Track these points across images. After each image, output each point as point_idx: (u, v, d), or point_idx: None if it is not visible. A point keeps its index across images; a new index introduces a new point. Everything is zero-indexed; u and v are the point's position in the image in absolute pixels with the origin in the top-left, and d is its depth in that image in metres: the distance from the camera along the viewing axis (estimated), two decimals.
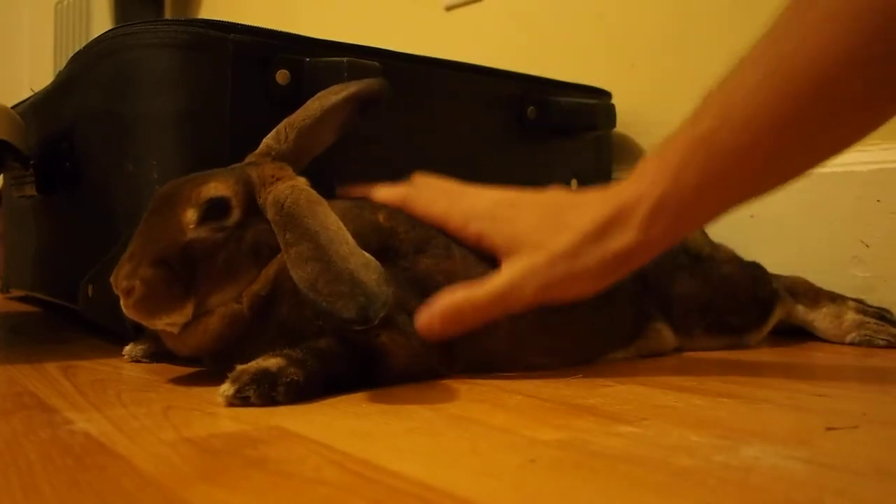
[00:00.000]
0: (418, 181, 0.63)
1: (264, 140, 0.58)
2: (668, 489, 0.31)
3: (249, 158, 0.57)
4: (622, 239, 0.52)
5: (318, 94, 0.59)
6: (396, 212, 0.59)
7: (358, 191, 0.62)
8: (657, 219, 0.51)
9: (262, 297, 0.52)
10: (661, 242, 0.53)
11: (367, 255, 0.48)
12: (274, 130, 0.58)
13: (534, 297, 0.54)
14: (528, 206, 0.57)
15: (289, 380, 0.46)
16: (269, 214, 0.51)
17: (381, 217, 0.58)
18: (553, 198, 0.57)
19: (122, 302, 0.50)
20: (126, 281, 0.49)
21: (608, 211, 0.53)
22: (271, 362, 0.46)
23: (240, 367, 0.46)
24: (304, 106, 0.59)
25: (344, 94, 0.59)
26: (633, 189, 0.52)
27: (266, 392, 0.45)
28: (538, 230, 0.54)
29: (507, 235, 0.55)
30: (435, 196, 0.60)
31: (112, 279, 0.50)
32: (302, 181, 0.53)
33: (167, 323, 0.51)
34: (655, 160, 0.52)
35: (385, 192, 0.61)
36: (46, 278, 0.88)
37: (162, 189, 0.53)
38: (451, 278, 0.57)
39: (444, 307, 0.53)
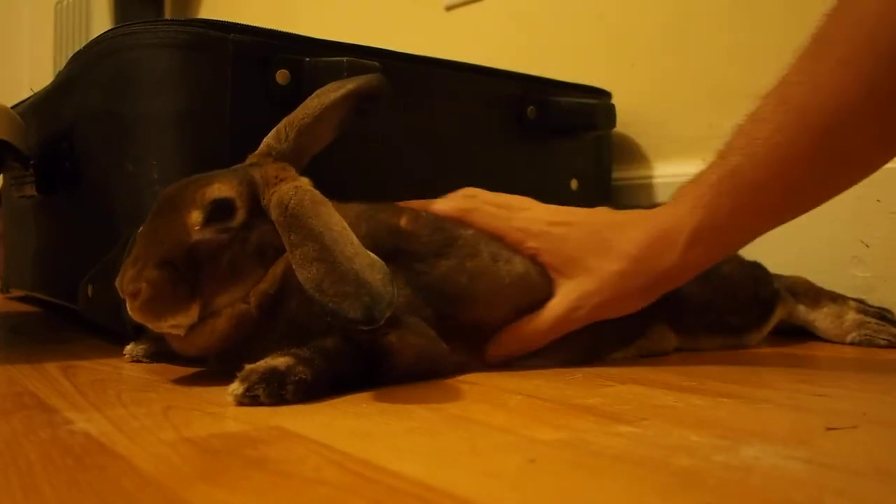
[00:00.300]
0: (472, 193, 0.65)
1: (265, 140, 0.58)
2: (668, 489, 0.31)
3: (251, 159, 0.57)
4: (664, 262, 0.57)
5: (317, 92, 0.59)
6: (421, 216, 0.59)
7: (415, 203, 0.62)
8: (696, 244, 0.56)
9: (271, 295, 0.52)
10: (698, 265, 0.58)
11: (372, 255, 0.47)
12: (274, 130, 0.58)
13: (587, 318, 0.59)
14: (578, 225, 0.61)
15: (297, 378, 0.46)
16: (274, 215, 0.51)
17: (402, 221, 0.58)
18: (599, 218, 0.62)
19: (128, 305, 0.50)
20: (132, 284, 0.49)
21: (650, 234, 0.58)
22: (280, 361, 0.46)
23: (248, 367, 0.46)
24: (304, 104, 0.59)
25: (343, 90, 0.59)
26: (672, 215, 0.57)
27: (275, 391, 0.45)
28: (588, 251, 0.59)
29: (561, 256, 0.60)
30: (493, 211, 0.63)
31: (117, 283, 0.50)
32: (305, 181, 0.53)
33: (172, 325, 0.50)
34: (691, 189, 0.57)
35: (442, 206, 0.63)
36: (46, 278, 0.88)
37: (165, 191, 0.53)
38: (477, 277, 0.57)
39: (510, 340, 0.58)
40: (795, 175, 0.53)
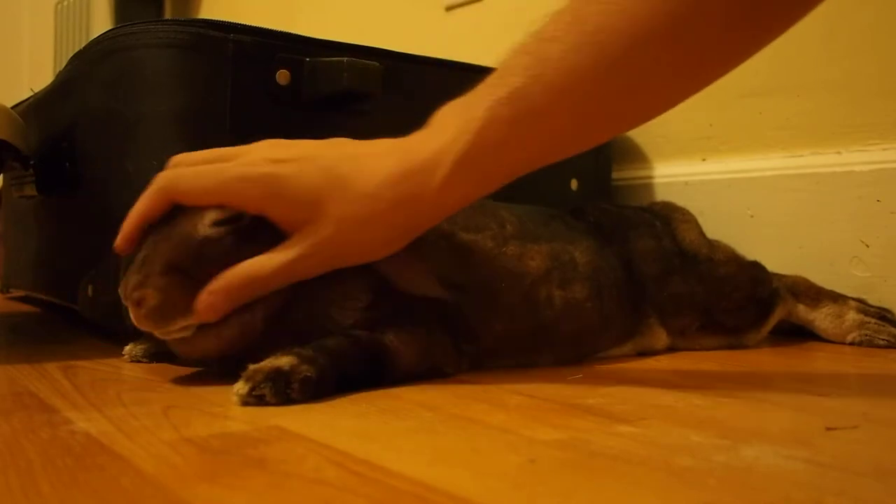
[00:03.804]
0: (175, 161, 0.54)
1: None
2: (668, 489, 0.31)
3: None
4: (418, 202, 0.49)
5: None
6: None
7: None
8: (458, 178, 0.49)
9: (278, 307, 0.51)
10: (456, 203, 0.51)
11: None
12: None
13: (321, 267, 0.51)
14: (309, 160, 0.51)
15: (302, 377, 0.46)
16: None
17: None
18: (338, 150, 0.52)
19: (132, 312, 0.49)
20: (136, 291, 0.48)
21: (403, 167, 0.49)
22: (283, 361, 0.46)
23: (252, 367, 0.46)
24: None
25: None
26: (431, 143, 0.50)
27: (281, 390, 0.45)
28: (325, 191, 0.50)
29: (292, 204, 0.50)
30: (198, 171, 0.52)
31: (121, 289, 0.49)
32: None
33: (181, 327, 0.50)
34: (456, 115, 0.49)
35: (140, 204, 0.52)
36: (46, 278, 0.88)
37: None
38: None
39: (229, 283, 0.49)
40: (586, 101, 0.48)
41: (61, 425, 0.40)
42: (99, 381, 0.52)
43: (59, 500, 0.29)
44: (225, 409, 0.44)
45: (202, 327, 0.50)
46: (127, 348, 0.61)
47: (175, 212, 0.51)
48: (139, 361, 0.60)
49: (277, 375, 0.45)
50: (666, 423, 0.41)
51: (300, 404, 0.45)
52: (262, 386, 0.45)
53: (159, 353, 0.59)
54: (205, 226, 0.50)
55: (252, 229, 0.51)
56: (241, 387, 0.45)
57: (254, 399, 0.45)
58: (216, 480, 0.31)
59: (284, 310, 0.52)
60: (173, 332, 0.50)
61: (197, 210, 0.50)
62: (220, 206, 0.50)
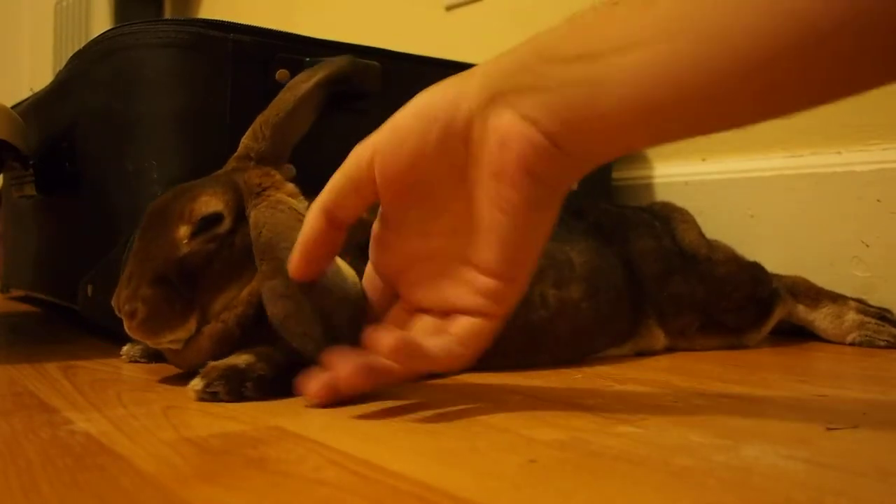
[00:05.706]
0: None
1: (242, 141, 0.57)
2: (668, 489, 0.31)
3: (231, 164, 0.57)
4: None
5: (289, 85, 0.59)
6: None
7: None
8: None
9: (251, 315, 0.51)
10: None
11: (347, 283, 0.47)
12: (250, 130, 0.57)
13: None
14: None
15: (256, 375, 0.47)
16: (251, 235, 0.51)
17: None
18: None
19: (125, 324, 0.50)
20: (128, 304, 0.49)
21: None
22: (241, 359, 0.48)
23: (211, 364, 0.47)
24: (277, 98, 0.58)
25: (314, 79, 0.58)
26: None
27: (235, 388, 0.46)
28: None
29: None
30: None
31: (113, 302, 0.50)
32: (290, 189, 0.53)
33: (171, 340, 0.51)
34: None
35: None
36: (46, 278, 0.88)
37: (153, 205, 0.53)
38: None
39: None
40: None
41: (61, 425, 0.40)
42: (99, 382, 0.52)
43: (59, 500, 0.29)
44: (225, 409, 0.44)
45: (188, 340, 0.51)
46: (125, 349, 0.61)
47: (155, 223, 0.52)
48: (137, 361, 0.60)
49: (232, 373, 0.46)
50: (666, 423, 0.41)
51: (298, 405, 0.45)
52: (216, 383, 0.46)
53: (157, 353, 0.59)
54: (183, 241, 0.50)
55: (230, 233, 0.51)
56: (196, 383, 0.46)
57: (208, 395, 0.46)
58: (216, 480, 0.31)
59: (262, 310, 0.52)
60: (165, 343, 0.51)
61: (175, 222, 0.51)
62: (188, 219, 0.51)
